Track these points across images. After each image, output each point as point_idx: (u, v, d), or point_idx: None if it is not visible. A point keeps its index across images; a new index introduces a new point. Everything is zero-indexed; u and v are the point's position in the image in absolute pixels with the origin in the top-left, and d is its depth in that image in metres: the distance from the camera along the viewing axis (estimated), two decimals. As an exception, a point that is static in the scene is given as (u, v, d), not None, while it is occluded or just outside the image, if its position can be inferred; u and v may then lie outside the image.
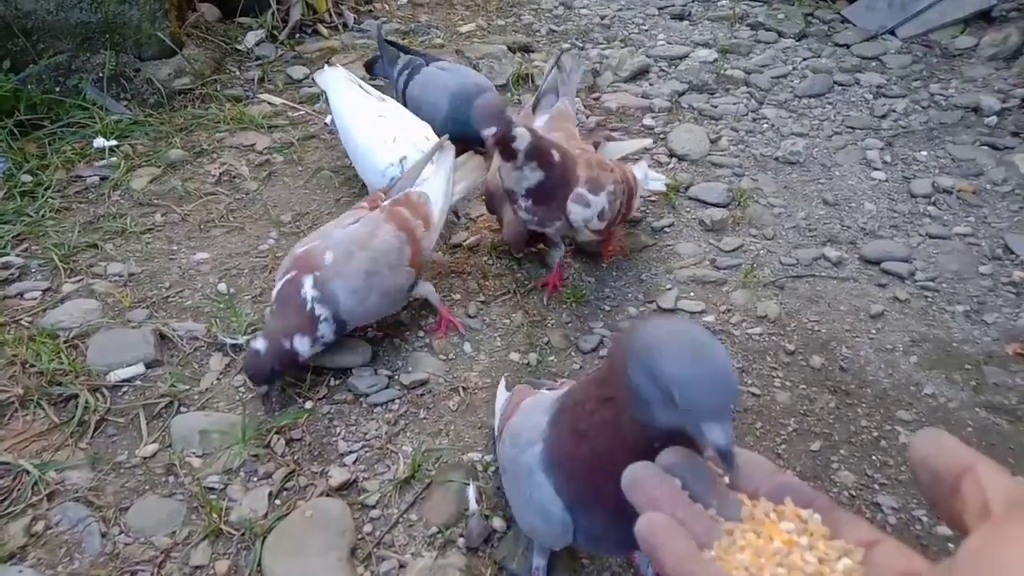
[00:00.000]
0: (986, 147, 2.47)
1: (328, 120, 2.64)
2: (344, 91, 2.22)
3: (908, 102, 2.74)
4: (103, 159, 2.42)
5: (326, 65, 2.41)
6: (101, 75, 2.65)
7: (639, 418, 0.72)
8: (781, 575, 0.54)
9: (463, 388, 1.66)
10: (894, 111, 2.70)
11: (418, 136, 2.07)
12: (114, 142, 2.48)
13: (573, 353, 1.77)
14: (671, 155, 2.49)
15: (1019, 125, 2.55)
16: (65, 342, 1.72)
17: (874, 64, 3.02)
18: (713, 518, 0.59)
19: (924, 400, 1.66)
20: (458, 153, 2.30)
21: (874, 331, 1.84)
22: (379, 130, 2.08)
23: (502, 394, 1.46)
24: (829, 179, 2.39)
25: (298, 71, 2.95)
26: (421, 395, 1.66)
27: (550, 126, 1.93)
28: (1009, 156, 2.40)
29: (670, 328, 0.72)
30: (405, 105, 2.32)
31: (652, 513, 0.56)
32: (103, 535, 1.35)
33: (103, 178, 2.34)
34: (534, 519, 1.01)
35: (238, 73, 2.95)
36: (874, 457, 1.53)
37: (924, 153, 2.48)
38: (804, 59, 3.07)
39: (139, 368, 1.67)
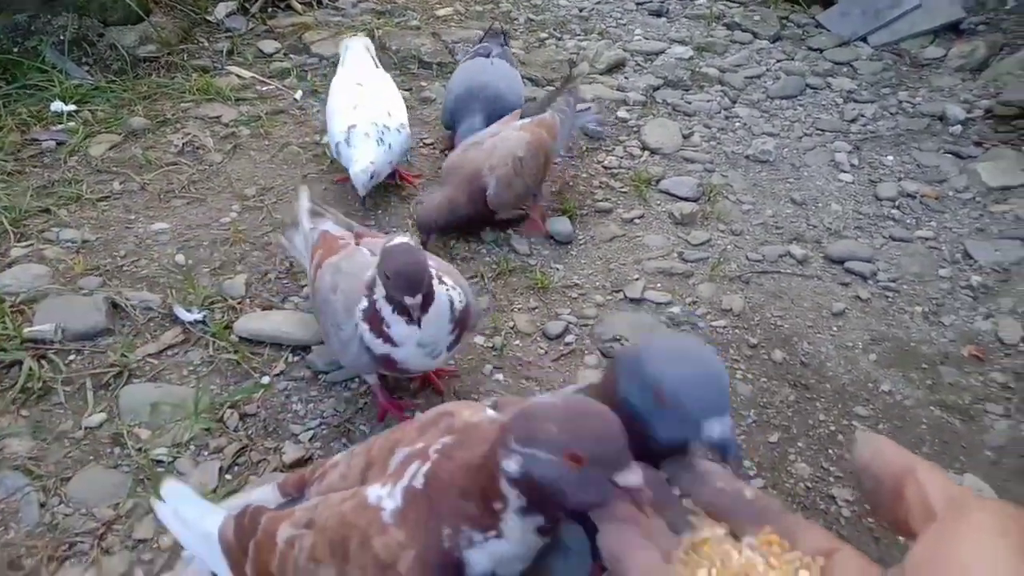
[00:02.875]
0: (950, 155, 2.52)
1: (297, 96, 2.58)
2: (350, 57, 2.25)
3: (877, 108, 2.78)
4: (61, 124, 2.34)
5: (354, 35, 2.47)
6: (62, 38, 2.56)
7: (638, 436, 0.68)
8: None
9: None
10: (863, 116, 2.74)
11: (378, 110, 2.04)
12: (73, 107, 2.39)
13: (539, 338, 1.75)
14: (644, 148, 2.49)
15: (982, 135, 2.59)
16: (11, 307, 1.65)
17: (845, 69, 3.05)
18: (674, 533, 0.58)
19: (881, 397, 1.68)
20: (448, 146, 2.34)
21: (835, 328, 1.86)
22: (348, 96, 2.07)
23: None
24: (798, 179, 2.41)
25: (269, 45, 2.89)
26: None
27: (520, 127, 2.03)
28: (972, 164, 2.45)
29: (659, 338, 0.72)
30: None
31: (616, 524, 0.55)
32: (42, 505, 1.30)
33: (60, 143, 2.26)
34: None
35: (206, 44, 2.88)
36: (830, 451, 1.55)
37: (890, 158, 2.52)
38: (778, 61, 3.10)
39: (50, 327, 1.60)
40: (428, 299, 1.22)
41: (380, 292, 1.24)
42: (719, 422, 0.62)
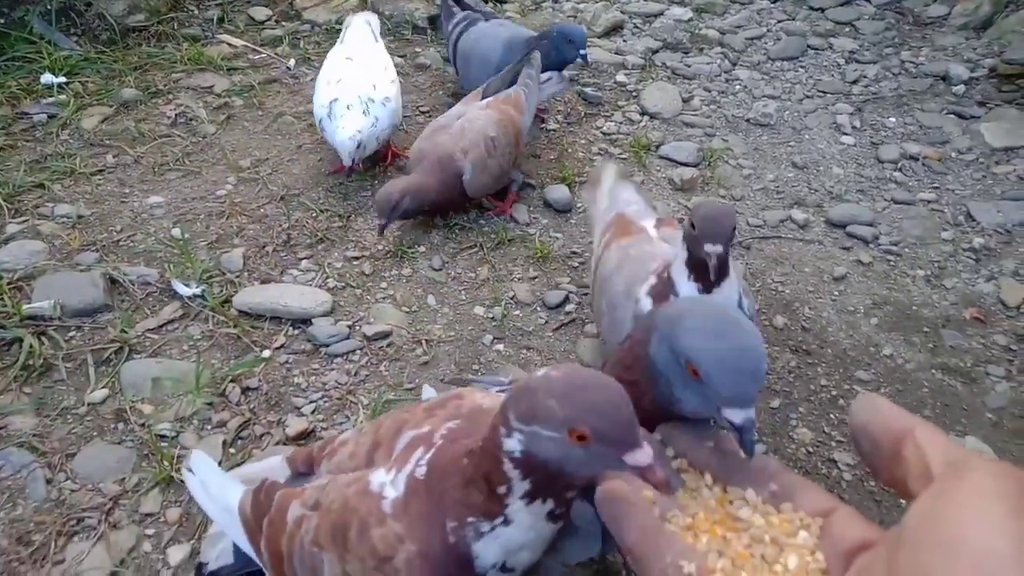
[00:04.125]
0: (953, 115, 2.49)
1: (290, 64, 2.54)
2: (349, 34, 2.21)
3: (879, 68, 2.73)
4: (51, 96, 2.30)
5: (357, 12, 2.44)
6: (49, 8, 2.51)
7: (660, 400, 0.66)
8: (743, 547, 0.54)
9: (426, 341, 1.64)
10: (865, 77, 2.70)
11: (363, 83, 2.00)
12: (63, 79, 2.35)
13: (539, 308, 1.75)
14: (643, 113, 2.46)
15: (986, 95, 2.56)
16: (9, 284, 1.64)
17: (847, 29, 3.00)
18: (670, 492, 0.58)
19: (883, 361, 1.68)
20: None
21: (837, 293, 1.85)
22: (333, 70, 2.05)
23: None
24: (799, 142, 2.38)
25: (260, 12, 2.83)
26: (383, 347, 1.62)
27: (487, 105, 1.96)
28: (975, 125, 2.42)
29: (698, 304, 0.67)
30: (454, 58, 2.31)
31: (613, 481, 0.55)
32: (48, 481, 1.31)
33: (51, 116, 2.23)
34: None
35: (196, 12, 2.82)
36: (832, 415, 1.55)
37: (893, 119, 2.49)
38: (778, 21, 3.04)
39: (49, 304, 1.59)
40: (724, 270, 1.11)
41: (680, 259, 1.15)
42: (742, 412, 0.60)
